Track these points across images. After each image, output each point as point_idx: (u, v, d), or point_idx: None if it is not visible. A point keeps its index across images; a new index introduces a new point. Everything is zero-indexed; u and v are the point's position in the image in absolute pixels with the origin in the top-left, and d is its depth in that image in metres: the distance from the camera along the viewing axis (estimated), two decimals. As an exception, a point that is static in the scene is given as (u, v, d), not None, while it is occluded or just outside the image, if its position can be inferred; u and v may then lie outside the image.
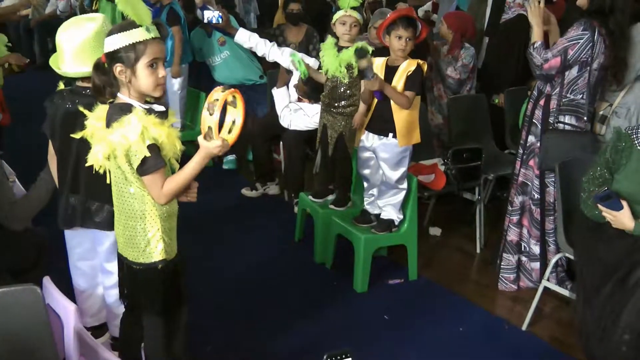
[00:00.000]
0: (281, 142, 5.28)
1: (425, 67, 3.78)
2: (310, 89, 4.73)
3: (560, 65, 3.59)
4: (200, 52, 6.03)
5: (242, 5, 7.62)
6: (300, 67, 4.29)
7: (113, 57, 2.31)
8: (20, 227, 3.03)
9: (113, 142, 2.27)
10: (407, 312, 3.79)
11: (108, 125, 2.31)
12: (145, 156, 2.26)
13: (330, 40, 4.12)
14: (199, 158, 2.34)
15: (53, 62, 2.92)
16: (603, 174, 2.97)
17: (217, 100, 2.23)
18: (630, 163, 2.87)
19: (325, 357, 1.82)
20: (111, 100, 2.39)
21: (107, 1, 6.30)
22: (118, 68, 2.31)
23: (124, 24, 2.34)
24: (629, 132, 2.90)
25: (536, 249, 3.90)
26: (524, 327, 3.63)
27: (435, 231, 4.81)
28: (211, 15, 4.84)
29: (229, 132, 2.33)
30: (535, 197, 3.84)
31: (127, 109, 2.30)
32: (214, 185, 5.29)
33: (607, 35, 3.54)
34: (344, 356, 1.83)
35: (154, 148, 2.28)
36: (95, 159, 2.36)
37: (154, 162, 2.29)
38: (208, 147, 2.30)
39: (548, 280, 3.59)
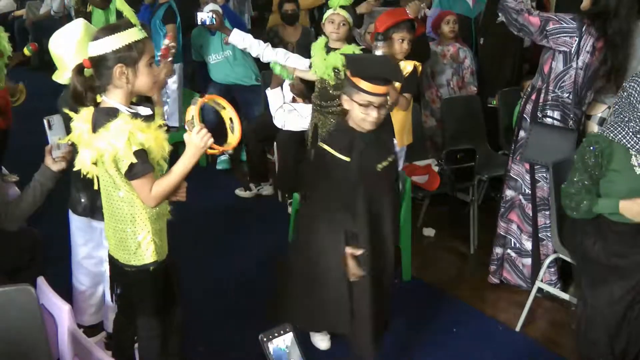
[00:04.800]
0: (275, 143, 5.28)
1: (420, 68, 3.80)
2: (306, 88, 4.72)
3: (537, 29, 3.54)
4: (199, 50, 5.97)
5: (236, 6, 7.62)
6: (282, 73, 4.31)
7: (110, 58, 2.28)
8: (14, 227, 3.02)
9: (100, 148, 2.25)
10: (401, 313, 3.79)
11: (94, 129, 2.29)
12: (132, 162, 2.25)
13: (320, 40, 4.11)
14: (185, 157, 2.34)
15: (57, 76, 2.94)
16: (582, 180, 2.89)
17: (195, 106, 2.28)
18: (615, 158, 2.82)
19: (260, 336, 1.74)
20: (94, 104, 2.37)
21: (100, 10, 6.27)
22: (119, 69, 2.28)
23: (115, 26, 2.33)
24: (600, 132, 2.88)
25: (528, 245, 3.88)
26: (517, 328, 3.64)
27: (429, 232, 4.82)
28: (205, 16, 4.86)
29: (232, 131, 2.35)
30: (526, 192, 3.83)
31: (113, 113, 2.28)
32: (208, 186, 5.30)
33: (598, 38, 3.50)
34: (282, 332, 1.74)
35: (141, 153, 2.27)
36: (83, 164, 2.35)
37: (141, 167, 2.28)
38: (192, 140, 2.30)
39: (542, 281, 3.61)
